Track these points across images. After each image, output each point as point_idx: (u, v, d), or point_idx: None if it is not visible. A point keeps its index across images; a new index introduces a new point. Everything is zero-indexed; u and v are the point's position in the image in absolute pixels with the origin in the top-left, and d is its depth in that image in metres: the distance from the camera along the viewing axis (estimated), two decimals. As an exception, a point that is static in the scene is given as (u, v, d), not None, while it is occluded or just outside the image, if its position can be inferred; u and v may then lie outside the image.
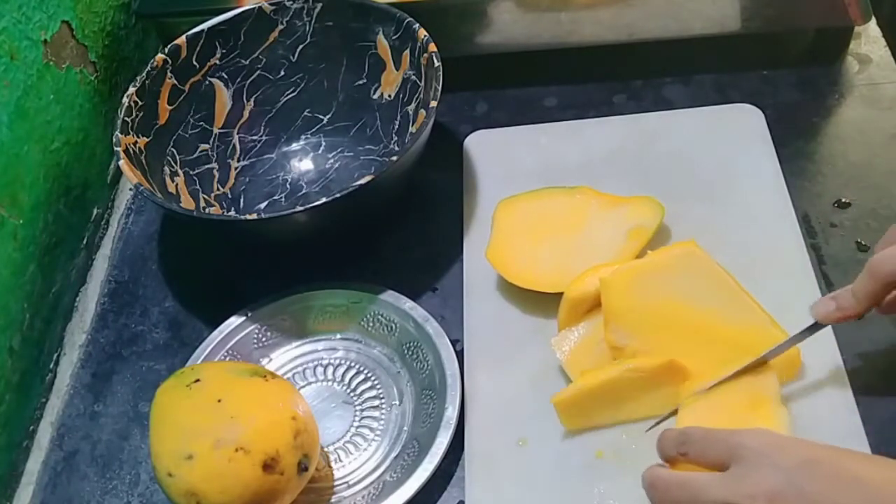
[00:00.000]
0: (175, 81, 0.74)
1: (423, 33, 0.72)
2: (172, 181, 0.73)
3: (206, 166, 0.77)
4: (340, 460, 0.62)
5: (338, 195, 0.63)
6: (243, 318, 0.68)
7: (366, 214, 0.70)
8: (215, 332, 0.67)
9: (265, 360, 0.68)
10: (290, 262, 0.71)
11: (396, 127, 0.77)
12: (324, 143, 0.80)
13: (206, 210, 0.74)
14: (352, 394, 0.66)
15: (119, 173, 0.83)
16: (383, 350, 0.67)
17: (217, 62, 0.77)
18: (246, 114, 0.79)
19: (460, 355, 0.64)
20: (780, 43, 0.81)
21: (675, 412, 0.57)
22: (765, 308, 0.59)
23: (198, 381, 0.58)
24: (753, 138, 0.73)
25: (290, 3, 0.76)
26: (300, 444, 0.56)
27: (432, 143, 0.70)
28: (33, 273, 0.70)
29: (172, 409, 0.57)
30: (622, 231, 0.66)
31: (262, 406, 0.57)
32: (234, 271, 0.74)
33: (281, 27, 0.77)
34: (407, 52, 0.74)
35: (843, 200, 0.70)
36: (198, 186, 0.75)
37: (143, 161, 0.70)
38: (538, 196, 0.70)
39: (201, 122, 0.77)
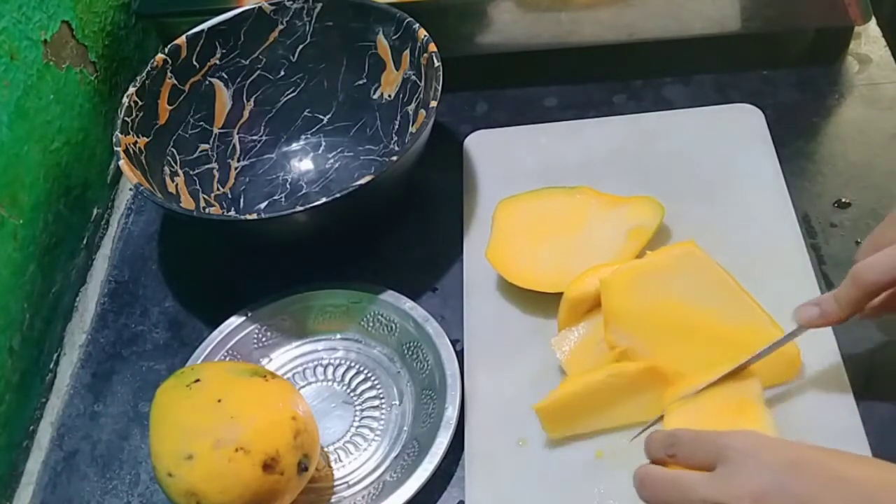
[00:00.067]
0: (175, 81, 0.74)
1: (423, 33, 0.72)
2: (172, 181, 0.73)
3: (206, 166, 0.77)
4: (340, 460, 0.62)
5: (338, 195, 0.63)
6: (243, 318, 0.68)
7: (366, 214, 0.70)
8: (215, 332, 0.67)
9: (265, 360, 0.68)
10: (290, 262, 0.71)
11: (396, 127, 0.77)
12: (324, 143, 0.80)
13: (206, 210, 0.74)
14: (352, 394, 0.66)
15: (119, 173, 0.83)
16: (383, 350, 0.67)
17: (217, 62, 0.77)
18: (246, 114, 0.79)
19: (460, 355, 0.64)
20: (780, 43, 0.81)
21: (660, 418, 0.57)
22: (765, 308, 0.59)
23: (198, 381, 0.58)
24: (753, 138, 0.73)
25: (290, 3, 0.76)
26: (300, 444, 0.56)
27: (432, 143, 0.70)
28: (33, 273, 0.70)
29: (172, 409, 0.57)
30: (622, 231, 0.66)
31: (262, 406, 0.57)
32: (234, 271, 0.74)
33: (281, 27, 0.77)
34: (407, 52, 0.74)
35: (843, 200, 0.70)
36: (198, 186, 0.75)
37: (143, 161, 0.70)
38: (538, 196, 0.70)
39: (201, 122, 0.77)
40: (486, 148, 0.77)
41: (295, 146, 0.80)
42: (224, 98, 0.78)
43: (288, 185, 0.78)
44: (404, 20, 0.73)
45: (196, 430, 0.55)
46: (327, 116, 0.80)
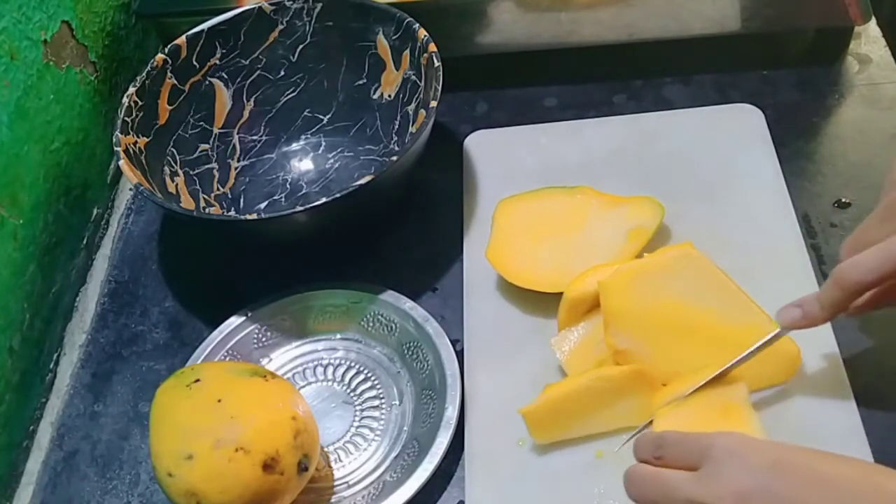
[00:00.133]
0: (175, 81, 0.74)
1: (423, 33, 0.72)
2: (172, 181, 0.73)
3: (206, 166, 0.77)
4: (340, 460, 0.62)
5: (338, 195, 0.63)
6: (243, 318, 0.68)
7: (366, 214, 0.70)
8: (215, 332, 0.67)
9: (265, 360, 0.68)
10: (290, 262, 0.71)
11: (396, 127, 0.77)
12: (324, 143, 0.80)
13: (206, 210, 0.74)
14: (352, 394, 0.66)
15: (119, 173, 0.83)
16: (383, 350, 0.67)
17: (217, 62, 0.77)
18: (246, 114, 0.79)
19: (460, 355, 0.64)
20: (780, 43, 0.81)
21: (649, 423, 0.57)
22: (765, 308, 0.59)
23: (198, 381, 0.58)
24: (753, 138, 0.73)
25: (290, 3, 0.76)
26: (300, 444, 0.56)
27: (432, 143, 0.70)
28: (33, 273, 0.70)
29: (172, 409, 0.57)
30: (622, 231, 0.66)
31: (262, 406, 0.57)
32: (234, 271, 0.74)
33: (281, 27, 0.77)
34: (407, 52, 0.74)
35: (843, 200, 0.70)
36: (198, 186, 0.75)
37: (143, 161, 0.70)
38: (538, 196, 0.70)
39: (201, 122, 0.77)
40: (486, 148, 0.77)
41: (295, 146, 0.80)
42: (224, 98, 0.78)
43: (288, 185, 0.78)
44: (404, 20, 0.73)
45: (196, 430, 0.55)
46: (327, 116, 0.80)
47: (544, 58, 0.81)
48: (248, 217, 0.65)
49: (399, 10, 0.73)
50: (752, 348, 0.56)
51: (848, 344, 0.60)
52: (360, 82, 0.78)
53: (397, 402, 0.65)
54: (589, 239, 0.67)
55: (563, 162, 0.74)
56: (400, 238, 0.74)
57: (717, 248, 0.62)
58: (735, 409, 0.55)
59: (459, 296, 0.68)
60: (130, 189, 0.83)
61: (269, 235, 0.68)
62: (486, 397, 0.62)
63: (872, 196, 0.69)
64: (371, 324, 0.68)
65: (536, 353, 0.63)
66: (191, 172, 0.75)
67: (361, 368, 0.67)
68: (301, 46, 0.78)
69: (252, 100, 0.79)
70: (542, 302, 0.65)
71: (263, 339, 0.68)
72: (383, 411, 0.64)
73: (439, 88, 0.68)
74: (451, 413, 0.60)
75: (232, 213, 0.76)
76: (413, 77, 0.74)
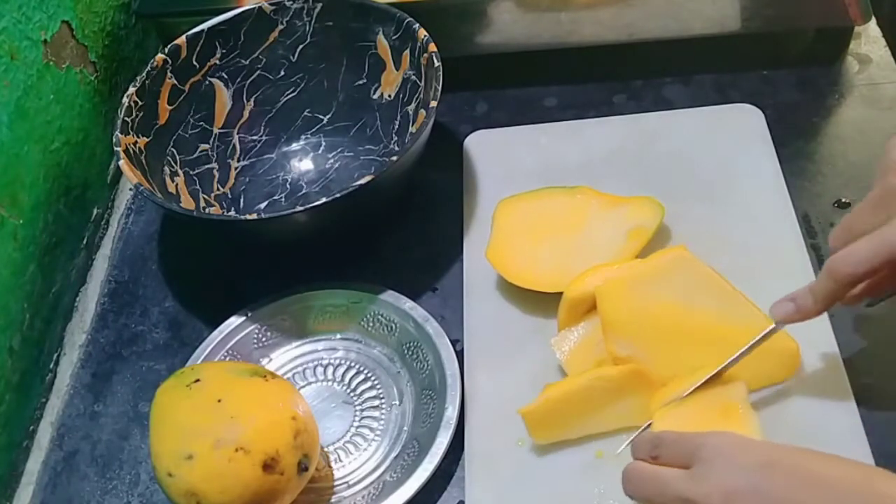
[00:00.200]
0: (175, 81, 0.75)
1: (423, 33, 0.72)
2: (172, 181, 0.73)
3: (206, 166, 0.77)
4: (340, 460, 0.62)
5: (338, 195, 0.63)
6: (243, 318, 0.68)
7: (366, 214, 0.70)
8: (215, 332, 0.67)
9: (265, 360, 0.68)
10: (290, 262, 0.71)
11: (396, 127, 0.77)
12: (324, 143, 0.80)
13: (206, 210, 0.74)
14: (352, 394, 0.66)
15: (119, 173, 0.83)
16: (383, 350, 0.67)
17: (217, 62, 0.77)
18: (246, 114, 0.79)
19: (460, 355, 0.64)
20: (780, 43, 0.81)
21: (649, 425, 0.57)
22: (762, 307, 0.59)
23: (198, 381, 0.58)
24: (753, 138, 0.73)
25: (290, 3, 0.76)
26: (300, 444, 0.56)
27: (432, 143, 0.70)
28: (33, 273, 0.70)
29: (172, 409, 0.57)
30: (622, 231, 0.66)
31: (262, 406, 0.57)
32: (234, 271, 0.74)
33: (281, 27, 0.77)
34: (407, 52, 0.74)
35: (843, 200, 0.70)
36: (198, 186, 0.75)
37: (143, 161, 0.70)
38: (538, 196, 0.70)
39: (201, 122, 0.77)
40: (486, 148, 0.77)
41: (295, 146, 0.80)
42: (224, 98, 0.78)
43: (288, 185, 0.78)
44: (404, 20, 0.73)
45: (196, 430, 0.55)
46: (327, 116, 0.80)
47: (544, 58, 0.81)
48: (248, 217, 0.65)
49: (399, 10, 0.73)
50: (747, 345, 0.56)
51: (848, 344, 0.60)
52: (360, 82, 0.78)
53: (397, 402, 0.65)
54: (589, 239, 0.67)
55: (563, 162, 0.74)
56: (400, 238, 0.74)
57: (717, 248, 0.62)
58: (734, 409, 0.55)
59: (459, 296, 0.68)
60: (130, 189, 0.83)
61: (269, 235, 0.68)
62: (486, 397, 0.62)
63: (872, 196, 0.69)
64: (371, 324, 0.68)
65: (536, 353, 0.63)
66: (191, 172, 0.75)
67: (361, 368, 0.67)
68: (301, 46, 0.78)
69: (252, 100, 0.79)
70: (542, 302, 0.65)
71: (263, 339, 0.68)
72: (383, 411, 0.64)
73: (439, 88, 0.68)
74: (451, 413, 0.60)
75: (232, 213, 0.76)
76: (413, 77, 0.74)
